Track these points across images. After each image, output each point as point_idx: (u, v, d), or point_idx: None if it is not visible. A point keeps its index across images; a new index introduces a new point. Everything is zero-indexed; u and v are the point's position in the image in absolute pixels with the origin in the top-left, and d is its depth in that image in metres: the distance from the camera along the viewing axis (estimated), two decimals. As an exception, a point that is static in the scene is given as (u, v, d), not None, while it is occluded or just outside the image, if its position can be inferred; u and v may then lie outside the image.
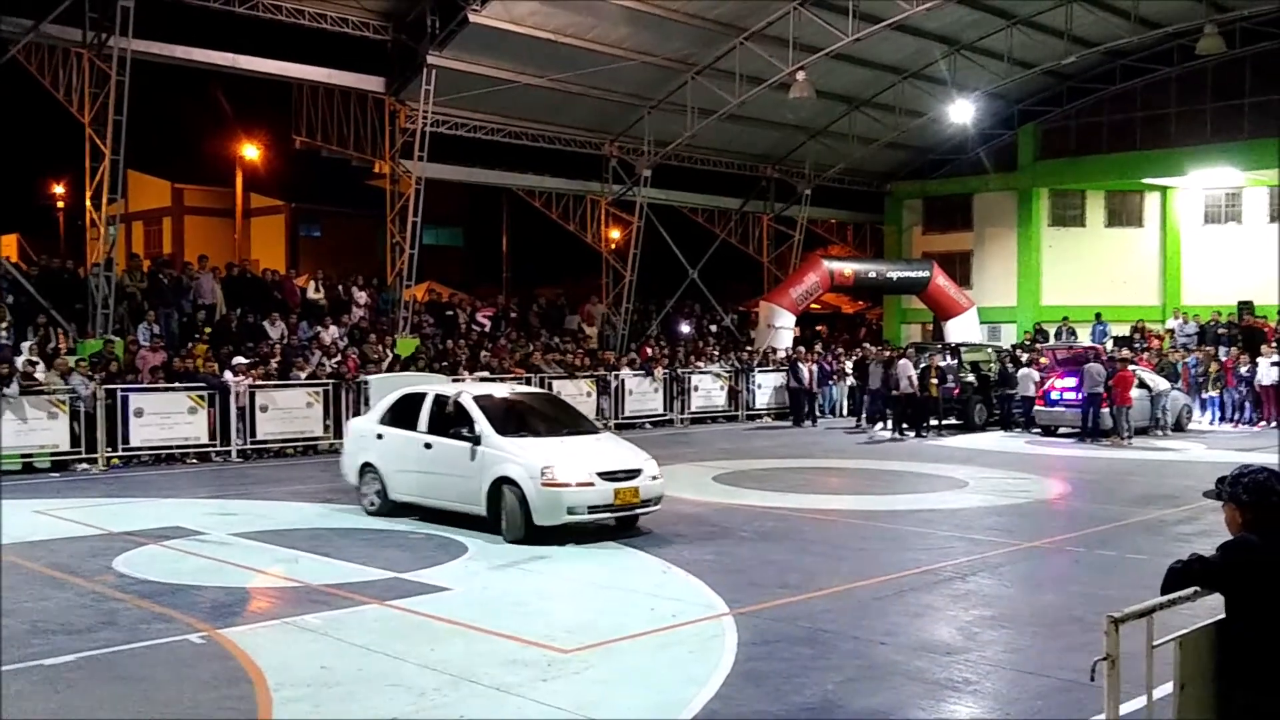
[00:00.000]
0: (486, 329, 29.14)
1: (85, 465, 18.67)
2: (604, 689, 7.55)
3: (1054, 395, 24.96)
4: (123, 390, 19.14)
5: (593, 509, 12.33)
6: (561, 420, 14.10)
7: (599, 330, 31.49)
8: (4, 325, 20.35)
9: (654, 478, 12.94)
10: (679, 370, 27.92)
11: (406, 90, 25.74)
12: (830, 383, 29.97)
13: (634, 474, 12.70)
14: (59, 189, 44.49)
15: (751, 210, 36.46)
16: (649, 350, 28.96)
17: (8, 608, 9.43)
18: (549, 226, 33.76)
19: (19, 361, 18.80)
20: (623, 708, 7.16)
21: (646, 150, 30.62)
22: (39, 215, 44.79)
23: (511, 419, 13.50)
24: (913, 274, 35.01)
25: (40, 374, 18.74)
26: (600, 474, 12.39)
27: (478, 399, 13.48)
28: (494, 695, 7.40)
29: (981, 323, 35.54)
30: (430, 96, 24.87)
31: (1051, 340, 32.45)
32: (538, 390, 16.62)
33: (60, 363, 19.16)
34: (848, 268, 34.21)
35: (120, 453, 19.16)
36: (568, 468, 12.30)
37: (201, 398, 19.87)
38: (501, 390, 14.83)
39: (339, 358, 22.90)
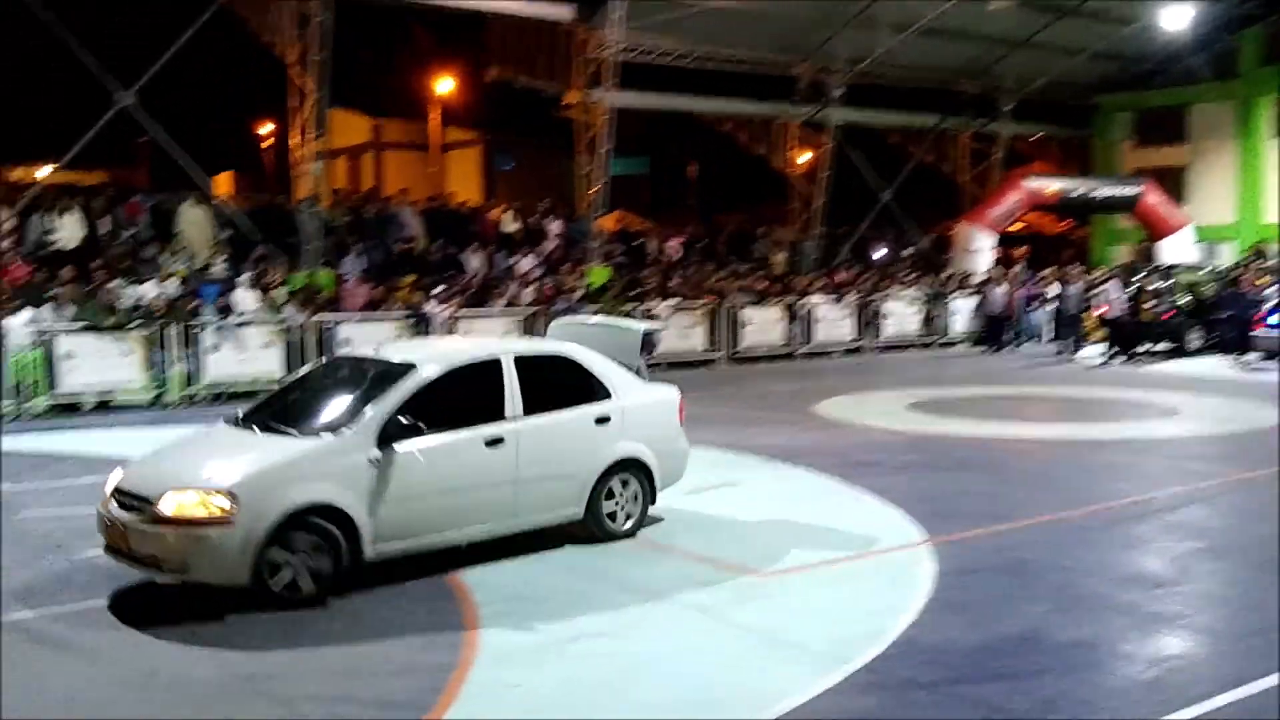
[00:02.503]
0: (678, 257, 29.18)
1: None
2: (799, 613, 7.58)
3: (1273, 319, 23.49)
4: (331, 321, 19.99)
5: (107, 545, 7.98)
6: (342, 395, 8.60)
7: (788, 256, 31.15)
8: (223, 259, 21.53)
9: (175, 521, 7.44)
10: (871, 296, 27.41)
11: (595, 18, 25.74)
12: (1030, 308, 28.92)
13: (141, 503, 7.64)
14: (267, 128, 46.48)
15: (948, 128, 35.23)
16: (840, 276, 28.51)
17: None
18: (733, 152, 33.37)
19: (233, 295, 19.84)
20: (819, 632, 7.16)
21: (838, 69, 29.86)
22: (249, 153, 46.94)
23: (291, 397, 9.25)
24: (1121, 191, 33.29)
25: (251, 305, 19.66)
26: (118, 492, 7.93)
27: (328, 364, 10.46)
28: (690, 616, 7.51)
29: (1198, 241, 33.61)
30: (621, 24, 24.83)
31: (1273, 260, 30.50)
32: (378, 359, 9.12)
33: (274, 294, 20.12)
34: (1051, 186, 32.76)
35: (332, 380, 20.00)
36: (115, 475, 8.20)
37: (407, 327, 20.58)
38: (399, 355, 9.10)
39: (535, 287, 23.35)
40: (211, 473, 7.70)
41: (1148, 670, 6.60)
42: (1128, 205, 33.40)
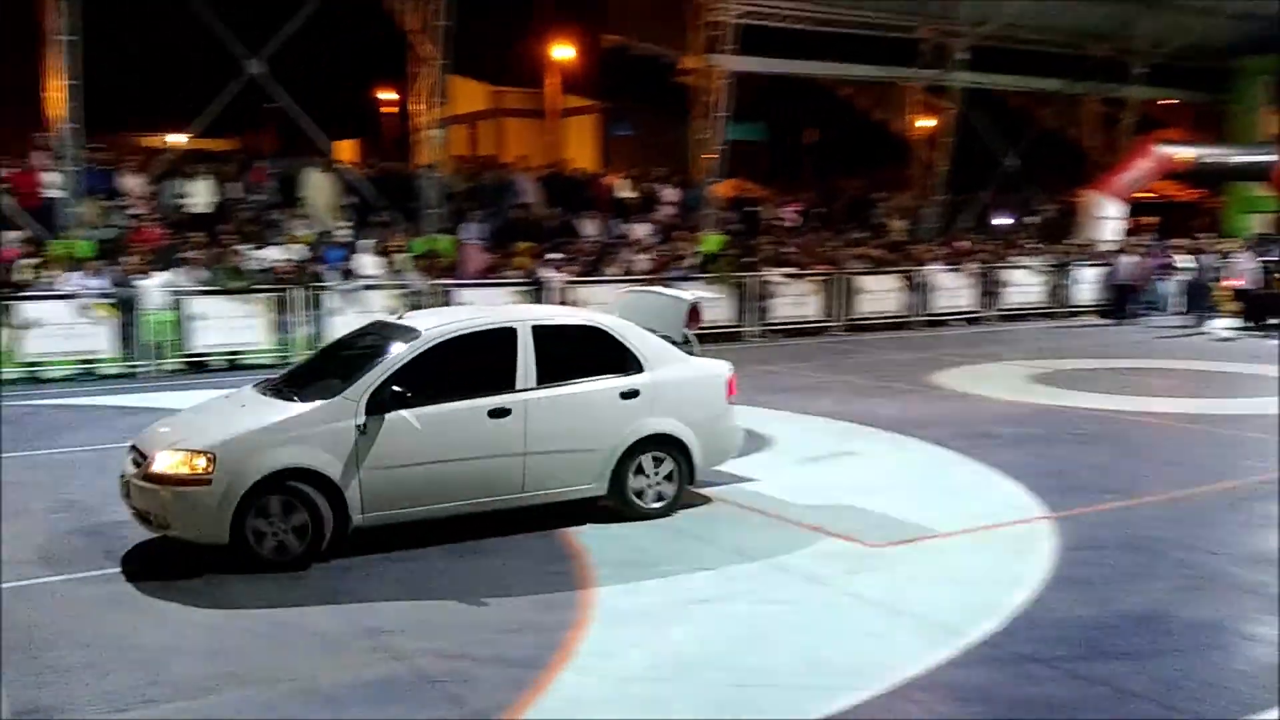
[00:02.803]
0: (797, 224, 28.87)
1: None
2: (915, 585, 7.50)
3: None
4: (450, 285, 20.29)
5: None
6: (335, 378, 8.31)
7: (908, 223, 30.63)
8: (347, 225, 22.01)
9: (162, 478, 7.67)
10: (992, 264, 26.81)
11: (713, -18, 25.58)
12: (1157, 277, 28.01)
13: (141, 459, 7.97)
14: (388, 95, 47.16)
15: (1076, 92, 34.11)
16: (961, 243, 27.94)
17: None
18: (852, 117, 32.78)
19: (356, 259, 20.26)
20: (936, 604, 7.09)
21: (962, 31, 29.13)
22: (371, 120, 47.76)
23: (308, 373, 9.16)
24: (1259, 158, 31.95)
25: (373, 269, 20.06)
26: (132, 448, 8.27)
27: (357, 330, 9.86)
28: (802, 584, 7.51)
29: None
30: (739, -13, 24.64)
31: None
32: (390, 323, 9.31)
33: (396, 259, 20.49)
34: (1183, 153, 31.62)
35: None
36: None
37: (523, 292, 20.79)
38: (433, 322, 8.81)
39: (649, 254, 23.36)
40: (199, 433, 7.93)
41: (1277, 653, 6.39)
42: (1264, 173, 32.06)
